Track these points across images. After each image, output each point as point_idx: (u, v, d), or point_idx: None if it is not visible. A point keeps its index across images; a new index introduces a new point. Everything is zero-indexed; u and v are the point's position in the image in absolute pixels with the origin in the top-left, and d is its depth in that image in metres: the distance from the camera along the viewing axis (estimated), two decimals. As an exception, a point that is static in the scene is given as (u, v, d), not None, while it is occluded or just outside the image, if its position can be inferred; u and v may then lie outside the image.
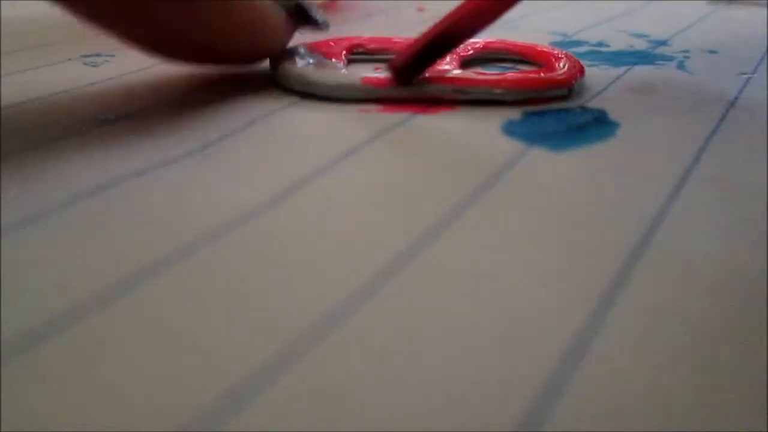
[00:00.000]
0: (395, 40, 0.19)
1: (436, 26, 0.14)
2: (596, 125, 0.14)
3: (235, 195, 0.11)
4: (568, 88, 0.16)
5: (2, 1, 0.25)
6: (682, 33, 0.23)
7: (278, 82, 0.16)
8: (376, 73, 0.16)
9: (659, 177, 0.12)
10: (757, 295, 0.09)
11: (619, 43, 0.21)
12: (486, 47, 0.18)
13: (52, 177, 0.11)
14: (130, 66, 0.18)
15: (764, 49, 0.20)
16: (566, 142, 0.13)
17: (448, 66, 0.16)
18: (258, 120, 0.14)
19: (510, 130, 0.14)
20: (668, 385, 0.07)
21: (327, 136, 0.14)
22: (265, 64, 0.16)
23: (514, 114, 0.15)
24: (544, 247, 0.10)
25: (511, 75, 0.15)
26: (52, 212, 0.10)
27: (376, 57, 0.19)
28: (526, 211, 0.11)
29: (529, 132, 0.14)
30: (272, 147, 0.13)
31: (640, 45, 0.21)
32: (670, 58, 0.19)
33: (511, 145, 0.13)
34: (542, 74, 0.16)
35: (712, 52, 0.20)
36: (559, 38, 0.22)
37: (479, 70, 0.17)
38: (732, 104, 0.15)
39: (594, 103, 0.15)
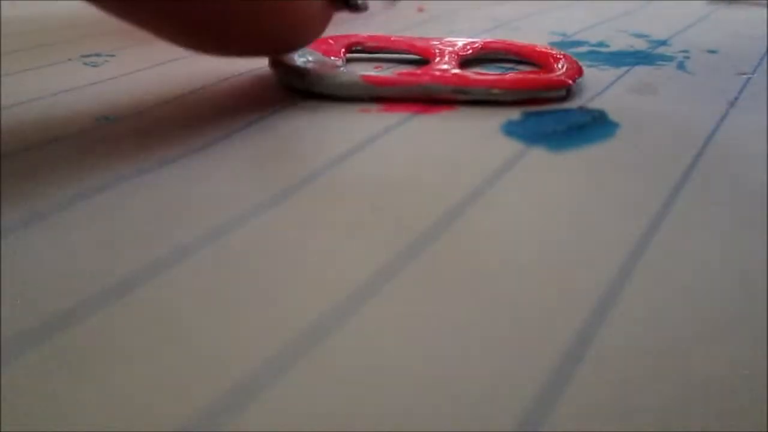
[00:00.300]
0: (394, 38, 0.19)
1: None
2: (596, 125, 0.14)
3: (235, 195, 0.11)
4: (566, 88, 0.16)
5: (2, 1, 0.25)
6: (682, 33, 0.23)
7: (278, 81, 0.16)
8: (375, 71, 0.16)
9: (659, 177, 0.12)
10: (757, 295, 0.09)
11: (619, 43, 0.21)
12: (485, 47, 0.18)
13: (52, 177, 0.11)
14: (130, 66, 0.18)
15: (764, 49, 0.20)
16: (566, 142, 0.13)
17: (447, 66, 0.16)
18: (258, 120, 0.14)
19: (510, 130, 0.14)
20: (668, 385, 0.07)
21: (327, 136, 0.14)
22: (265, 62, 0.16)
23: (514, 114, 0.15)
24: (543, 246, 0.10)
25: (509, 75, 0.16)
26: (52, 212, 0.10)
27: (374, 55, 0.19)
28: (525, 212, 0.11)
29: (529, 132, 0.14)
30: (272, 147, 0.13)
31: (640, 45, 0.21)
32: (670, 58, 0.19)
33: (510, 146, 0.13)
34: (540, 75, 0.16)
35: (712, 52, 0.20)
36: (559, 38, 0.22)
37: (478, 70, 0.17)
38: (732, 105, 0.15)
39: (594, 104, 0.15)
